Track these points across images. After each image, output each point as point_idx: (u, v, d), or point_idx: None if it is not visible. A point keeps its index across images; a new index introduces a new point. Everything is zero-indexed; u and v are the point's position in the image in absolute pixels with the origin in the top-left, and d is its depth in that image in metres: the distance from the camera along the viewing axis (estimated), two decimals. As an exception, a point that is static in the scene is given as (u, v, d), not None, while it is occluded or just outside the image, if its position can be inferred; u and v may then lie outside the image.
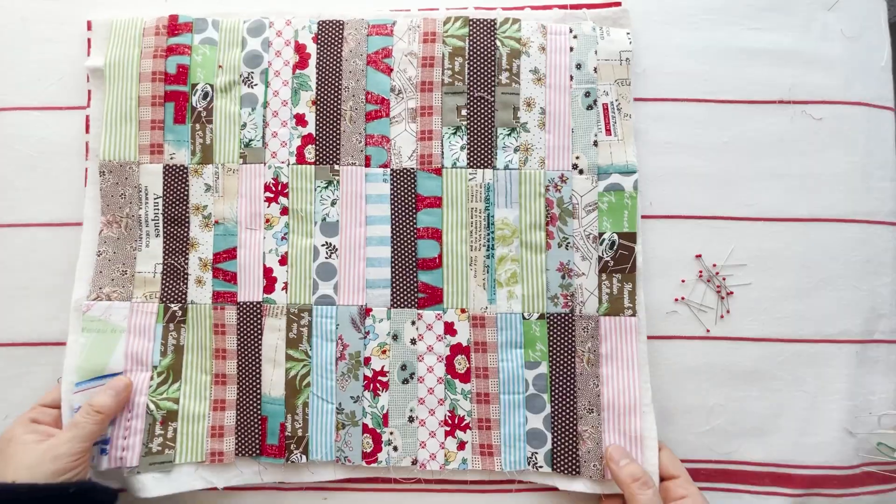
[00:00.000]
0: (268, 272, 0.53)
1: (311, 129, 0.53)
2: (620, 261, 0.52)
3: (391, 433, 0.51)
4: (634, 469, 0.46)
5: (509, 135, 0.53)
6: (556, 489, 0.50)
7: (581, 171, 0.53)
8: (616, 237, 0.52)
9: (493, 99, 0.53)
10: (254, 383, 0.51)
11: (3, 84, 0.55)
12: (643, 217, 0.54)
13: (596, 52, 0.54)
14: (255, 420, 0.51)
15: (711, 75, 0.55)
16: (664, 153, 0.54)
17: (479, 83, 0.53)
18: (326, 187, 0.53)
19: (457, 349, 0.52)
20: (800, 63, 0.55)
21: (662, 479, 0.48)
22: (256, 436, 0.51)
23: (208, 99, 0.54)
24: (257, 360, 0.52)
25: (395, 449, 0.51)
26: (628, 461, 0.47)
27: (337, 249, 0.53)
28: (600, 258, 0.52)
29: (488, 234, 0.53)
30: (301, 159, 0.53)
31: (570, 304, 0.52)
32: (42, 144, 0.54)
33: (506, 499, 0.51)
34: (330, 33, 0.54)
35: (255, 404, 0.51)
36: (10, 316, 0.53)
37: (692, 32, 0.55)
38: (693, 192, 0.54)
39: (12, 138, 0.54)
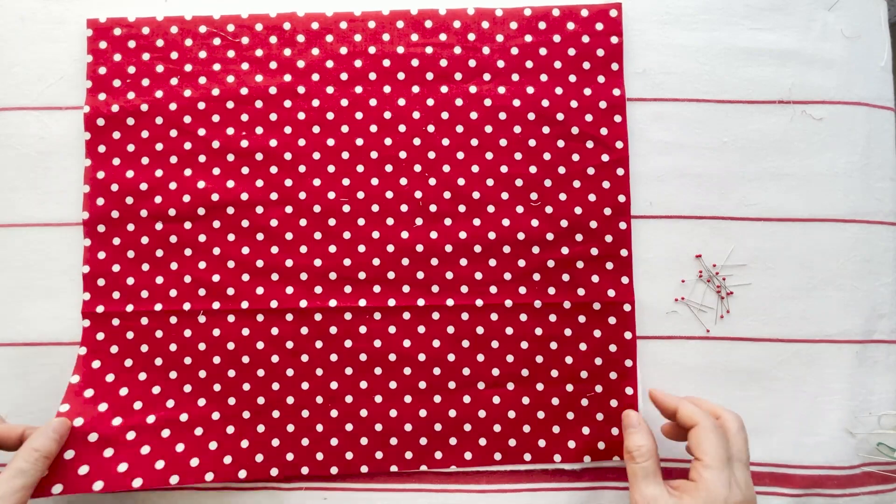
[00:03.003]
0: None
1: None
2: None
3: None
4: (628, 443, 0.46)
5: None
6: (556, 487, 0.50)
7: None
8: None
9: None
10: None
11: (2, 84, 0.55)
12: (643, 217, 0.54)
13: None
14: None
15: (711, 75, 0.55)
16: (664, 153, 0.54)
17: None
18: None
19: None
20: (800, 63, 0.55)
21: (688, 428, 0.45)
22: None
23: None
24: None
25: None
26: (632, 430, 0.46)
27: None
28: None
29: None
30: None
31: None
32: (42, 144, 0.54)
33: (506, 499, 0.51)
34: None
35: None
36: (10, 316, 0.53)
37: (692, 32, 0.55)
38: (693, 192, 0.54)
39: (12, 138, 0.54)
